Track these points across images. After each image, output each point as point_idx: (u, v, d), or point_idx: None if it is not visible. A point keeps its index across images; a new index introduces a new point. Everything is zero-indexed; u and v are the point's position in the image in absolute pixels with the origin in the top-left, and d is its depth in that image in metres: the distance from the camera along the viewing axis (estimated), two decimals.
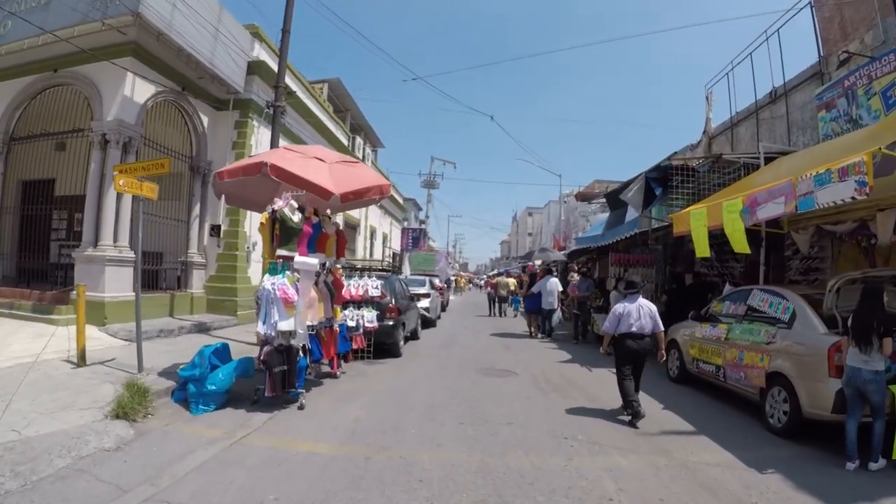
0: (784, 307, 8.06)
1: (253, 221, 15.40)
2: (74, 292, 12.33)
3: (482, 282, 74.19)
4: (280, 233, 8.24)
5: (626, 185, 13.66)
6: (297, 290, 8.05)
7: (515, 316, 27.43)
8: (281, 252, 8.23)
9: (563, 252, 29.11)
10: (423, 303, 19.01)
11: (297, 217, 8.33)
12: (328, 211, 10.50)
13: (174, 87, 14.35)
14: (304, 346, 8.58)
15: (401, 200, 45.20)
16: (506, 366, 11.99)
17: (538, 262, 26.33)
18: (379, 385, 9.66)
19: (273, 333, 7.95)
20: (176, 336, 12.86)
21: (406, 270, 37.02)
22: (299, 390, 8.13)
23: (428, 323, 19.58)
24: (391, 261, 14.83)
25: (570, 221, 38.09)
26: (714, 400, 9.30)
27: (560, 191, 41.69)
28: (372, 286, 12.22)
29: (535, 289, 18.09)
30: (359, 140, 28.30)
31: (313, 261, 8.27)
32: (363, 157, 28.75)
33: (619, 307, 8.19)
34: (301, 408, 7.88)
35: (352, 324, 11.71)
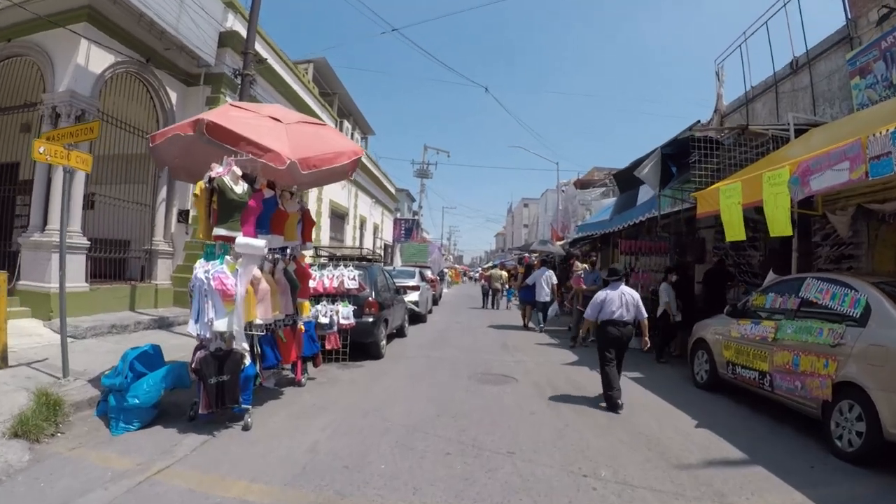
0: (853, 299, 6.42)
1: None
2: (22, 282, 10.95)
3: (476, 274, 73.52)
4: (218, 207, 6.55)
5: (637, 162, 12.03)
6: (238, 281, 6.39)
7: (508, 308, 27.34)
8: (219, 231, 6.52)
9: (562, 242, 28.04)
10: (412, 296, 17.43)
11: (240, 188, 6.63)
12: (294, 188, 8.85)
13: (137, 58, 12.72)
14: (253, 349, 6.94)
15: (393, 190, 43.48)
16: (504, 369, 10.36)
17: (535, 255, 26.77)
18: (350, 396, 7.98)
19: (207, 334, 6.31)
20: (131, 332, 11.18)
21: (397, 262, 35.67)
22: (244, 406, 6.48)
23: (417, 318, 17.99)
24: (374, 249, 13.21)
25: (568, 211, 36.41)
26: (756, 413, 7.72)
27: (557, 179, 40.11)
28: (348, 277, 10.58)
29: (529, 280, 17.92)
30: (347, 125, 26.63)
31: (259, 243, 6.56)
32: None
33: (601, 294, 8.27)
34: (246, 428, 6.26)
35: (324, 320, 10.13)
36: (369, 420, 6.78)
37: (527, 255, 36.39)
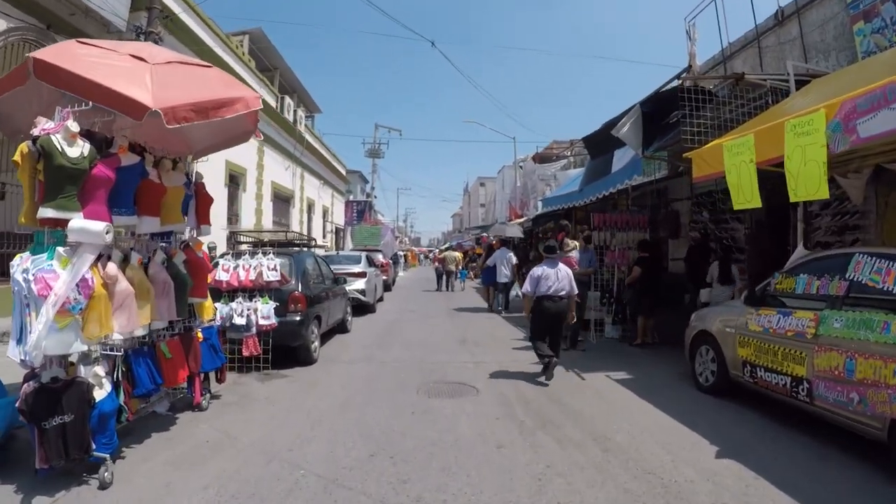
0: None
1: None
2: None
3: (431, 255, 71.70)
4: (45, 178, 4.50)
5: (611, 123, 10.24)
6: (75, 281, 4.38)
7: (463, 288, 27.65)
8: (45, 213, 4.45)
9: (521, 220, 26.78)
10: (357, 284, 15.52)
11: (75, 150, 4.57)
12: (189, 158, 6.85)
13: (35, 25, 10.58)
14: (114, 374, 4.96)
15: (343, 172, 41.16)
16: (462, 375, 8.49)
17: (492, 236, 25.99)
18: (260, 426, 6.00)
19: (36, 361, 4.32)
20: None
21: (348, 245, 33.69)
22: (100, 454, 4.52)
23: (364, 309, 16.07)
24: (305, 233, 11.20)
25: (527, 187, 34.55)
26: (787, 429, 6.00)
27: (514, 154, 38.21)
28: (268, 267, 8.59)
29: (490, 262, 17.79)
30: (289, 101, 24.27)
31: (97, 226, 4.51)
32: (296, 121, 24.90)
33: (537, 270, 8.55)
34: (103, 486, 4.39)
35: (240, 321, 8.23)
36: (275, 468, 4.83)
37: (484, 235, 34.91)
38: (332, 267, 15.97)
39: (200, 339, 6.48)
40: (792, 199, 5.79)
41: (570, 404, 6.93)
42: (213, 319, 7.12)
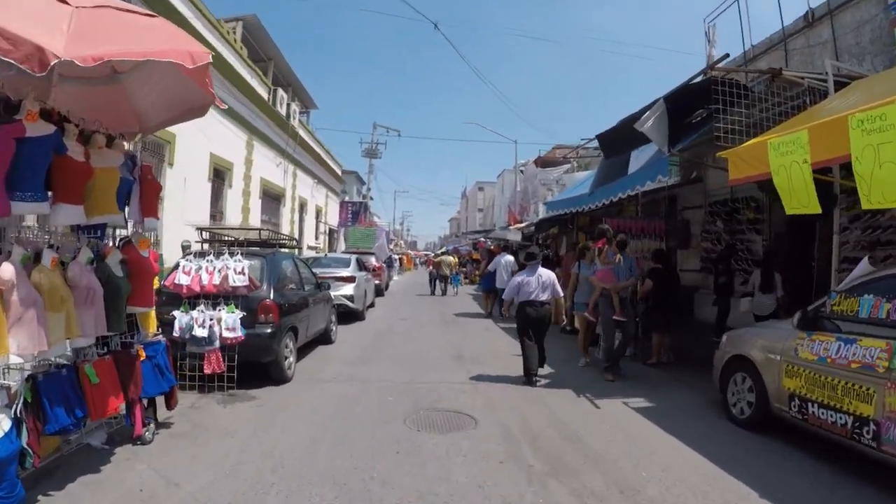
0: None
1: None
2: None
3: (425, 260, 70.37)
4: None
5: (629, 119, 9.18)
6: None
7: (456, 293, 27.12)
8: None
9: (521, 225, 26.01)
10: (345, 290, 14.44)
11: None
12: (137, 137, 5.79)
13: None
14: (13, 408, 3.86)
15: (339, 171, 40.01)
16: (457, 399, 7.38)
17: (491, 241, 27.00)
18: (210, 470, 4.86)
19: None
20: None
21: (341, 247, 32.59)
22: None
23: (353, 316, 14.97)
24: (284, 233, 10.07)
25: (528, 192, 33.67)
26: (846, 476, 4.98)
27: (515, 158, 37.19)
28: (235, 270, 7.49)
29: (491, 267, 17.38)
30: (282, 94, 23.12)
31: None
32: (289, 115, 23.76)
33: (518, 277, 8.83)
34: None
35: (201, 333, 7.14)
36: None
37: (482, 240, 34.00)
38: (319, 270, 14.86)
39: (143, 358, 5.39)
40: (864, 206, 4.76)
41: (586, 441, 5.82)
42: (159, 334, 5.97)
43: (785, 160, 5.64)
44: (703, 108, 9.19)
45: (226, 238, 8.88)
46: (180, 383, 6.82)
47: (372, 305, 18.56)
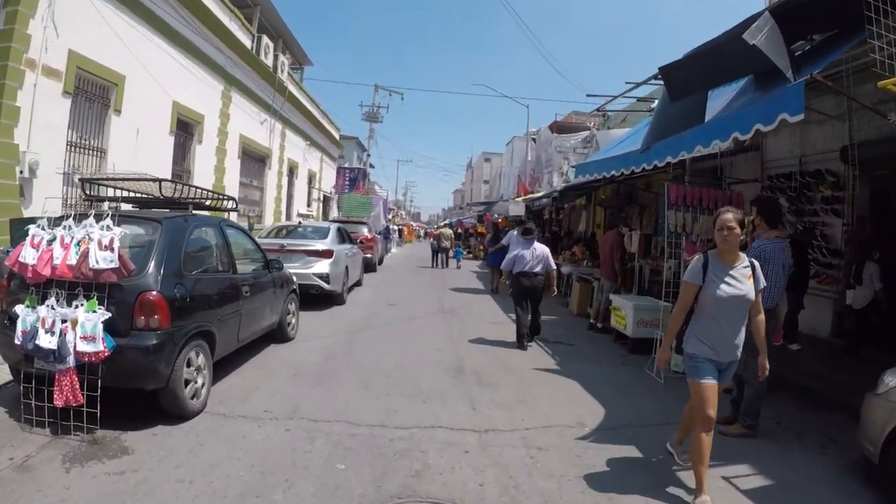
0: None
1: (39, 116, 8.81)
2: None
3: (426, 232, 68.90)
4: None
5: (719, 40, 6.24)
6: None
7: (459, 267, 26.20)
8: None
9: (533, 196, 23.61)
10: (318, 266, 11.50)
11: None
12: None
13: None
14: None
15: (336, 135, 36.77)
16: (452, 474, 4.37)
17: (498, 215, 26.38)
18: None
19: None
20: None
21: (333, 215, 29.93)
22: None
23: (330, 299, 12.06)
24: (202, 188, 7.39)
25: (541, 160, 30.58)
26: None
27: (527, 124, 33.94)
28: (100, 244, 4.59)
29: (504, 241, 15.84)
30: (267, 41, 19.86)
31: None
32: (276, 67, 20.58)
33: (514, 251, 9.45)
34: None
35: (48, 342, 4.35)
36: None
37: (488, 213, 31.41)
38: (288, 241, 11.96)
39: None
40: None
41: None
42: None
43: None
44: (828, 27, 6.34)
45: (120, 195, 5.94)
46: (27, 417, 4.52)
47: (358, 284, 15.57)
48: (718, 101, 7.34)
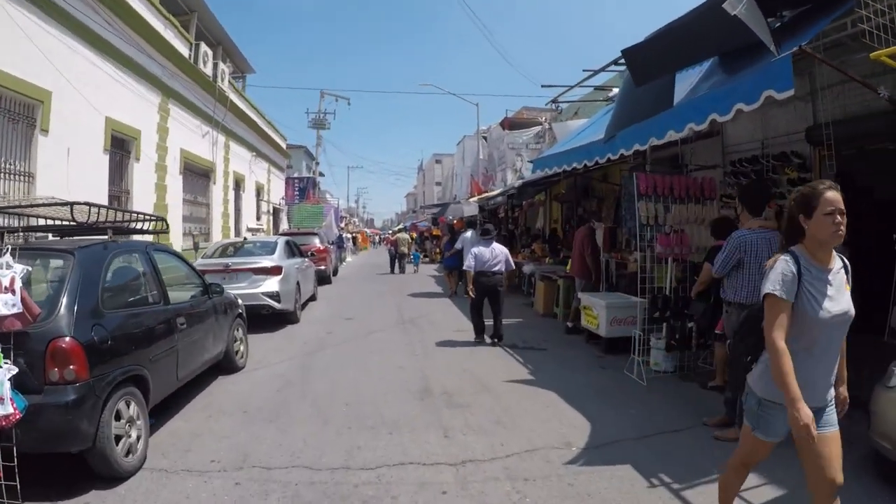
0: None
1: None
2: None
3: (383, 237, 69.46)
4: None
5: (691, 15, 5.78)
6: None
7: (416, 271, 26.43)
8: None
9: (492, 194, 22.76)
10: (267, 285, 10.74)
11: None
12: None
13: None
14: None
15: (283, 145, 35.70)
16: (428, 499, 3.86)
17: (450, 217, 26.45)
18: None
19: None
20: None
21: (284, 227, 29.16)
22: None
23: (282, 318, 11.35)
24: (125, 209, 6.64)
25: (493, 158, 30.23)
26: None
27: (478, 122, 33.57)
28: (1, 286, 3.88)
29: (458, 244, 16.20)
30: (206, 49, 18.90)
31: None
32: (216, 76, 19.64)
33: (474, 250, 9.70)
34: None
35: None
36: None
37: (442, 216, 31.03)
38: (233, 260, 11.22)
39: None
40: None
41: None
42: None
43: None
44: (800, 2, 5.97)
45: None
46: None
47: (313, 299, 14.84)
48: (683, 84, 6.88)
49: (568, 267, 11.33)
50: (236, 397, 6.57)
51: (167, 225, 6.98)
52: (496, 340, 9.48)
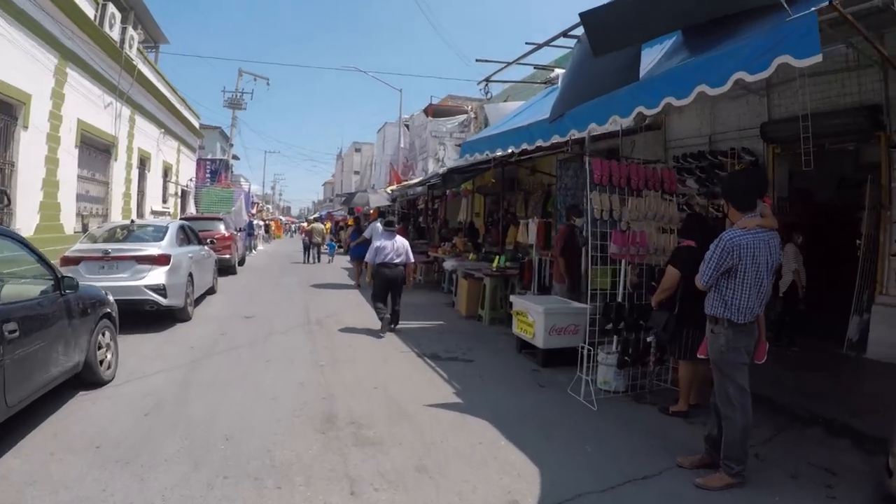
0: None
1: None
2: None
3: (297, 227, 67.18)
4: None
5: None
6: None
7: (330, 262, 25.76)
8: None
9: (412, 182, 21.84)
10: (152, 277, 9.16)
11: None
12: None
13: None
14: None
15: (196, 124, 33.37)
16: None
17: (366, 206, 26.26)
18: None
19: None
20: None
21: (191, 212, 27.29)
22: None
23: (170, 316, 9.82)
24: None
25: (415, 147, 29.17)
26: None
27: (400, 110, 32.27)
28: None
29: (367, 234, 15.85)
30: (113, 10, 16.75)
31: None
32: (124, 41, 17.51)
33: (376, 242, 10.01)
34: None
35: None
36: None
37: (359, 206, 29.99)
38: (114, 247, 9.66)
39: None
40: None
41: None
42: None
43: None
44: None
45: None
46: None
47: (211, 291, 13.30)
48: (652, 55, 5.82)
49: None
50: (92, 423, 5.12)
51: (8, 199, 5.44)
52: (394, 326, 9.91)
